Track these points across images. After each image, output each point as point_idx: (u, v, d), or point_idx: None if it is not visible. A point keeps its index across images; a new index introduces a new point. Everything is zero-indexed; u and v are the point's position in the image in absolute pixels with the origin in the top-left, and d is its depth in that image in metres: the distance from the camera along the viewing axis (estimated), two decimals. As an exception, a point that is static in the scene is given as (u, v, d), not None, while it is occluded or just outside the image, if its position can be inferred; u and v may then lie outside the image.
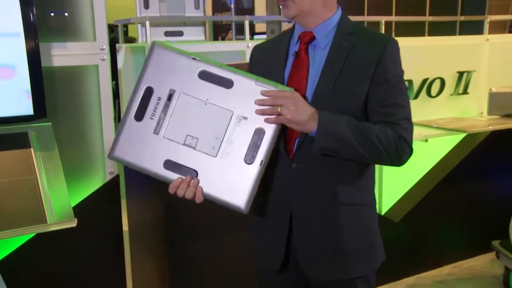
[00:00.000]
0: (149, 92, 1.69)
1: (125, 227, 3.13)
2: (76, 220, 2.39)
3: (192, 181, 1.66)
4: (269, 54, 1.91)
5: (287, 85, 1.76)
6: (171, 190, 1.69)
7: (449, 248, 4.07)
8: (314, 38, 1.78)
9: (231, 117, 1.66)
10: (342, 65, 1.72)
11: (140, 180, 3.20)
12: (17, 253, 2.59)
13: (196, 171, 1.68)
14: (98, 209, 2.83)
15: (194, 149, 1.67)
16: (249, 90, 1.65)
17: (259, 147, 1.65)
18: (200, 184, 1.66)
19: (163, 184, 2.78)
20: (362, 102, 1.73)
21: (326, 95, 1.71)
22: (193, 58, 1.68)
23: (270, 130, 1.64)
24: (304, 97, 1.72)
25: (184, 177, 1.66)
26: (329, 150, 1.64)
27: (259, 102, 1.61)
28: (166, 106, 1.68)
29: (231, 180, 1.67)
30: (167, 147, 1.69)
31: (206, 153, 1.67)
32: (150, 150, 1.70)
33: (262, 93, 1.61)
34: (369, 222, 1.88)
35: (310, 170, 1.75)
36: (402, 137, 1.71)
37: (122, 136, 1.73)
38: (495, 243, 3.69)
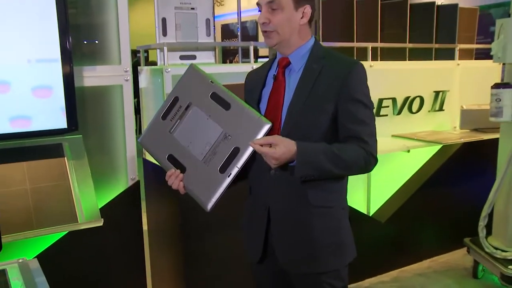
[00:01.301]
0: (175, 100, 1.87)
1: (145, 226, 3.13)
2: (102, 220, 2.42)
3: (179, 175, 1.78)
4: (255, 78, 1.95)
5: (267, 104, 1.83)
6: (166, 178, 1.81)
7: (428, 245, 4.06)
8: (290, 63, 1.81)
9: (220, 133, 1.76)
10: (312, 85, 1.74)
11: (157, 185, 3.21)
12: (53, 247, 2.59)
13: (185, 168, 1.80)
14: (121, 210, 2.82)
15: (190, 151, 1.80)
16: (240, 115, 1.74)
17: (231, 162, 1.72)
18: (184, 179, 1.79)
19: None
20: (330, 117, 1.74)
21: (298, 111, 1.73)
22: (211, 81, 1.82)
23: (244, 152, 1.72)
24: (280, 114, 1.77)
25: (175, 171, 1.79)
26: (308, 176, 1.69)
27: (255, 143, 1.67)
28: (183, 114, 1.84)
29: (206, 182, 1.77)
30: (174, 145, 1.84)
31: (195, 156, 1.79)
32: (163, 143, 1.87)
33: (252, 145, 1.67)
34: (339, 222, 1.85)
35: (286, 177, 1.76)
36: (370, 153, 1.75)
37: (149, 129, 1.93)
38: (466, 240, 3.69)
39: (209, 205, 1.77)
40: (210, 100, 1.79)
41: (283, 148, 1.63)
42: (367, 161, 1.75)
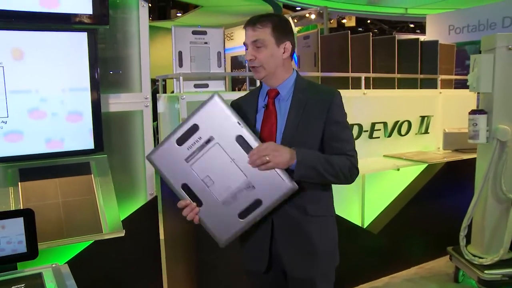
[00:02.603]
0: (194, 128, 1.66)
1: (162, 236, 3.14)
2: (124, 230, 2.44)
3: (195, 208, 1.70)
4: (243, 107, 1.92)
5: (260, 131, 1.82)
6: (179, 205, 1.72)
7: (415, 253, 4.05)
8: (279, 93, 1.85)
9: (244, 181, 1.64)
10: (302, 113, 1.79)
11: (173, 200, 3.22)
12: (81, 254, 2.61)
13: (201, 202, 1.68)
14: (140, 222, 2.83)
15: (208, 187, 1.66)
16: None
17: (252, 212, 1.66)
18: (200, 213, 1.69)
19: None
20: (320, 139, 1.80)
21: (292, 135, 1.78)
22: (238, 123, 1.65)
23: (265, 203, 1.65)
24: (275, 138, 1.79)
25: (191, 203, 1.69)
26: (306, 177, 1.71)
27: (250, 162, 1.63)
28: (203, 146, 1.65)
29: (223, 222, 1.68)
30: (189, 175, 1.67)
31: (214, 195, 1.66)
32: (177, 169, 1.68)
33: (249, 155, 1.62)
34: (332, 229, 1.91)
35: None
36: (353, 165, 1.81)
37: (162, 148, 1.70)
38: (449, 248, 3.69)
39: (223, 243, 1.71)
40: (235, 143, 1.63)
41: (280, 145, 1.67)
42: (351, 172, 1.80)
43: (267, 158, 1.62)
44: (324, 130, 1.80)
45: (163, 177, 1.71)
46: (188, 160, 1.65)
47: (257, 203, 1.64)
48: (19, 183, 2.36)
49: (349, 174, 1.80)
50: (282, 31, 1.80)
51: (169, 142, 1.68)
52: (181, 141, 1.66)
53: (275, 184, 1.64)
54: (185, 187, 1.67)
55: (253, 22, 1.79)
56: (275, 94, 1.85)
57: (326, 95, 1.82)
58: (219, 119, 1.64)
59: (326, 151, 1.81)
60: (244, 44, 1.82)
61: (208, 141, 1.63)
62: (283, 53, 1.81)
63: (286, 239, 1.82)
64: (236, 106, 1.95)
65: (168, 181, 1.70)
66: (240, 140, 1.62)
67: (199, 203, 1.67)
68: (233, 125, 1.63)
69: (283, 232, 1.82)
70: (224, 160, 1.63)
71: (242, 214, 1.66)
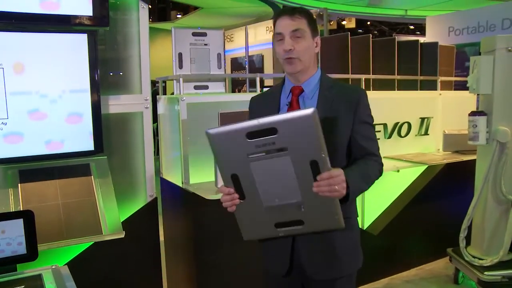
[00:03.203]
0: (273, 130, 1.43)
1: (162, 238, 3.14)
2: (124, 232, 2.43)
3: (235, 200, 1.57)
4: (264, 104, 1.88)
5: None
6: (220, 189, 1.60)
7: (415, 254, 4.05)
8: (303, 91, 1.80)
9: (297, 201, 1.53)
10: (329, 111, 1.74)
11: (173, 201, 3.23)
12: (81, 256, 2.61)
13: (244, 197, 1.56)
14: (140, 224, 2.83)
15: (257, 188, 1.53)
16: (324, 199, 1.52)
17: (289, 227, 1.59)
18: (237, 205, 1.57)
19: (192, 204, 2.81)
20: (348, 138, 1.77)
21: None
22: (322, 150, 1.44)
23: (307, 227, 1.58)
24: None
25: (234, 193, 1.56)
26: (354, 198, 1.69)
27: (316, 186, 1.49)
28: (272, 152, 1.46)
29: (256, 222, 1.60)
30: (245, 169, 1.50)
31: (260, 198, 1.54)
32: (234, 158, 1.50)
33: (320, 178, 1.48)
34: (356, 231, 1.87)
35: None
36: (381, 166, 1.81)
37: (227, 132, 1.48)
38: (449, 250, 3.69)
39: (249, 238, 1.66)
40: (307, 165, 1.46)
41: (339, 171, 1.54)
42: (380, 171, 1.81)
43: (336, 188, 1.50)
44: (352, 129, 1.77)
45: (216, 157, 1.54)
46: (250, 155, 1.47)
47: (299, 222, 1.57)
48: (19, 184, 2.36)
49: (379, 174, 1.81)
50: (315, 25, 1.78)
51: (238, 130, 1.46)
52: (252, 136, 1.45)
53: (325, 217, 1.57)
54: (235, 178, 1.53)
55: (290, 11, 1.73)
56: (300, 91, 1.80)
57: (353, 94, 1.79)
58: (303, 135, 1.42)
59: (354, 150, 1.79)
60: (278, 34, 1.73)
61: (281, 150, 1.45)
62: (316, 47, 1.79)
63: (308, 241, 1.77)
64: (257, 102, 1.93)
65: (220, 163, 1.54)
66: (314, 165, 1.47)
67: (241, 196, 1.55)
68: (316, 149, 1.44)
69: (306, 236, 1.76)
70: (288, 174, 1.48)
71: (279, 225, 1.59)
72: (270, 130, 1.42)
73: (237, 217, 1.61)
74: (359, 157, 1.80)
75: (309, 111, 1.39)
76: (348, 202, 1.62)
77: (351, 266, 1.84)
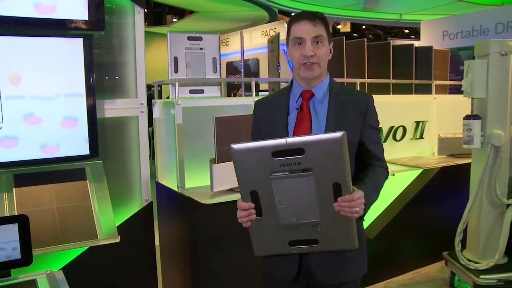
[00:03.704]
0: (299, 151, 1.42)
1: (157, 242, 3.14)
2: (119, 236, 2.43)
3: (252, 215, 1.55)
4: (271, 108, 1.86)
5: (293, 133, 1.74)
6: (239, 205, 1.56)
7: (411, 258, 4.06)
8: (313, 95, 1.79)
9: (314, 220, 1.53)
10: (341, 116, 1.75)
11: (168, 206, 3.22)
12: (76, 260, 2.60)
13: (261, 214, 1.55)
14: (136, 228, 2.83)
15: (277, 206, 1.51)
16: (342, 221, 1.53)
17: (303, 245, 1.59)
18: (254, 220, 1.55)
19: (188, 208, 2.80)
20: (357, 143, 1.78)
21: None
22: (346, 174, 1.45)
23: (321, 246, 1.58)
24: None
25: (252, 210, 1.54)
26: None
27: (338, 206, 1.50)
28: (297, 171, 1.46)
29: (271, 239, 1.59)
30: (265, 187, 1.49)
31: (278, 215, 1.53)
32: (255, 175, 1.48)
33: (342, 200, 1.48)
34: (362, 235, 1.86)
35: None
36: (387, 168, 1.87)
37: (252, 149, 1.46)
38: (445, 253, 3.70)
39: (260, 254, 1.65)
40: (330, 186, 1.46)
41: (361, 192, 1.56)
42: (387, 177, 1.86)
43: (357, 209, 1.51)
44: (361, 133, 1.78)
45: (237, 172, 1.50)
46: (273, 173, 1.45)
47: (314, 242, 1.57)
48: (13, 188, 2.36)
49: (386, 180, 1.86)
50: (329, 31, 1.78)
51: (264, 148, 1.44)
52: (277, 154, 1.43)
53: (342, 237, 1.57)
54: (254, 194, 1.51)
55: (311, 16, 1.72)
56: (310, 95, 1.79)
57: (362, 99, 1.81)
58: (331, 158, 1.42)
59: (362, 154, 1.80)
60: (298, 38, 1.72)
61: (306, 170, 1.44)
62: (330, 53, 1.79)
63: None
64: (263, 106, 1.90)
65: (240, 179, 1.51)
66: (336, 187, 1.47)
67: (258, 213, 1.53)
68: (340, 172, 1.45)
69: None
70: (310, 195, 1.48)
71: (293, 243, 1.58)
72: (297, 150, 1.41)
73: (251, 233, 1.59)
74: (367, 162, 1.82)
75: (338, 134, 1.39)
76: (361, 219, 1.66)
77: (358, 270, 1.85)
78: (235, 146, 1.45)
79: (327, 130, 1.73)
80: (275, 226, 1.54)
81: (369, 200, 1.66)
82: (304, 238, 1.56)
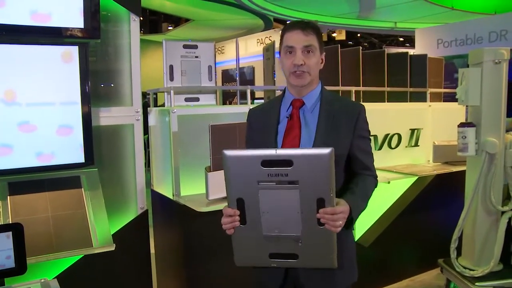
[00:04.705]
0: (288, 163, 1.47)
1: (152, 250, 3.12)
2: (114, 245, 2.43)
3: (235, 223, 1.57)
4: (263, 116, 1.88)
5: (283, 140, 1.77)
6: (224, 211, 1.58)
7: (406, 266, 4.05)
8: (304, 104, 1.81)
9: (296, 235, 1.54)
10: (330, 125, 1.76)
11: (164, 214, 3.22)
12: (71, 269, 2.59)
13: (245, 223, 1.57)
14: (131, 236, 2.82)
15: (261, 216, 1.54)
16: (324, 237, 1.55)
17: (283, 260, 1.60)
18: (236, 229, 1.57)
19: (183, 216, 2.80)
20: (347, 152, 1.79)
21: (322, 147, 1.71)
22: (330, 190, 1.49)
23: (300, 262, 1.59)
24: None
25: (236, 217, 1.56)
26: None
27: (322, 218, 1.51)
28: (284, 183, 1.50)
29: (251, 249, 1.61)
30: (252, 195, 1.52)
31: (261, 226, 1.55)
32: (244, 182, 1.52)
33: (322, 212, 1.50)
34: (351, 244, 1.88)
35: None
36: (376, 178, 1.86)
37: (243, 156, 1.52)
38: (440, 261, 3.69)
39: (240, 265, 1.66)
40: (314, 201, 1.49)
41: (344, 206, 1.58)
42: (376, 186, 1.86)
43: (340, 223, 1.53)
44: (352, 143, 1.79)
45: (226, 178, 1.54)
46: (260, 183, 1.50)
47: (293, 256, 1.57)
48: (8, 196, 2.35)
49: (375, 189, 1.85)
50: (322, 41, 1.80)
51: (254, 157, 1.49)
52: (267, 164, 1.47)
53: (321, 255, 1.58)
54: (240, 202, 1.54)
55: (302, 26, 1.74)
56: (301, 104, 1.81)
57: (353, 109, 1.82)
58: (317, 173, 1.47)
59: (352, 164, 1.81)
60: (289, 47, 1.75)
61: (292, 182, 1.48)
62: (321, 63, 1.81)
63: None
64: (256, 114, 1.92)
65: (229, 185, 1.55)
66: (320, 202, 1.50)
67: (242, 221, 1.56)
68: (325, 188, 1.48)
69: None
70: (293, 208, 1.51)
71: (273, 256, 1.59)
72: (286, 161, 1.45)
73: (233, 241, 1.61)
74: (357, 172, 1.83)
75: (327, 150, 1.44)
76: (349, 228, 1.66)
77: (347, 280, 1.84)
78: (227, 152, 1.50)
79: (316, 139, 1.75)
80: (257, 236, 1.55)
81: (358, 209, 1.69)
82: (284, 252, 1.57)
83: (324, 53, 1.82)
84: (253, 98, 4.86)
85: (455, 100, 3.37)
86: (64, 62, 2.41)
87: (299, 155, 1.46)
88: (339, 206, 1.54)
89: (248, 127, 1.93)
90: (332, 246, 1.56)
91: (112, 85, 2.79)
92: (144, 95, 3.54)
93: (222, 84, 5.84)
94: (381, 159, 3.94)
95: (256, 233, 1.55)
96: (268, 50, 3.57)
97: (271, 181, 1.48)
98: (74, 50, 2.42)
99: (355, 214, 1.65)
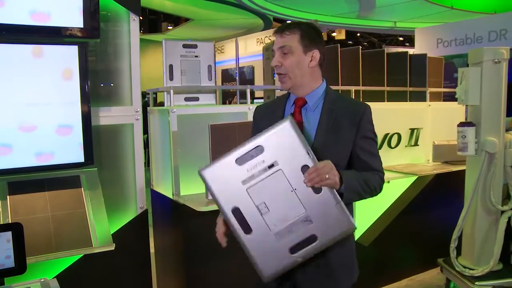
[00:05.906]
0: (259, 149, 1.53)
1: (152, 250, 3.12)
2: (114, 244, 2.43)
3: (222, 234, 1.63)
4: (268, 113, 1.90)
5: None
6: (217, 230, 1.65)
7: (406, 265, 4.06)
8: (306, 103, 1.81)
9: (302, 214, 1.53)
10: (332, 124, 1.76)
11: (163, 213, 3.22)
12: (70, 268, 2.59)
13: (251, 230, 1.55)
14: (131, 236, 2.82)
15: (262, 215, 1.53)
16: (329, 204, 1.55)
17: (304, 247, 1.55)
18: (247, 241, 1.55)
19: (183, 215, 2.80)
20: (349, 152, 1.78)
21: (322, 146, 1.73)
22: (307, 152, 1.53)
23: (321, 240, 1.55)
24: None
25: (224, 231, 1.58)
26: (350, 201, 1.70)
27: (308, 180, 1.54)
28: (264, 170, 1.52)
29: (271, 254, 1.56)
30: (244, 199, 1.53)
31: (267, 225, 1.54)
32: (230, 190, 1.53)
33: (307, 172, 1.52)
34: (351, 245, 1.87)
35: None
36: (382, 180, 1.84)
37: (218, 165, 1.55)
38: (440, 260, 3.69)
39: (269, 277, 1.58)
40: (299, 172, 1.51)
41: (325, 161, 1.58)
42: (381, 186, 1.83)
43: (327, 176, 1.55)
44: (354, 143, 1.78)
45: (212, 196, 1.55)
46: (245, 182, 1.51)
47: (312, 239, 1.55)
48: (7, 196, 2.35)
49: (379, 189, 1.82)
50: (311, 39, 1.78)
51: (227, 160, 1.52)
52: (242, 161, 1.51)
53: (335, 220, 1.55)
54: (237, 211, 1.53)
55: (281, 29, 1.77)
56: (303, 103, 1.81)
57: (357, 108, 1.81)
58: (288, 145, 1.52)
59: (356, 165, 1.80)
60: (272, 50, 1.80)
61: (271, 166, 1.51)
62: (310, 61, 1.79)
63: None
64: (262, 112, 1.95)
65: (217, 202, 1.55)
66: (305, 169, 1.51)
67: (248, 230, 1.53)
68: (301, 154, 1.51)
69: None
70: (285, 189, 1.52)
71: (294, 249, 1.55)
72: (257, 150, 1.51)
73: (248, 255, 1.57)
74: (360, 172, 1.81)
75: (285, 121, 1.52)
76: (345, 197, 1.64)
77: (346, 281, 1.84)
78: (202, 171, 1.55)
79: (316, 138, 1.75)
80: (269, 237, 1.54)
81: (349, 181, 1.67)
82: (302, 239, 1.55)
83: (316, 50, 1.79)
84: (252, 97, 4.86)
85: (455, 100, 3.37)
86: (64, 62, 2.41)
87: (264, 138, 1.53)
88: (320, 162, 1.57)
89: (253, 123, 1.96)
90: (340, 207, 1.55)
91: (111, 84, 2.79)
92: (144, 94, 3.54)
93: (222, 84, 5.84)
94: (381, 158, 3.93)
95: (266, 235, 1.54)
96: (268, 50, 3.57)
97: (252, 175, 1.52)
98: (73, 50, 2.41)
99: (347, 185, 1.64)
